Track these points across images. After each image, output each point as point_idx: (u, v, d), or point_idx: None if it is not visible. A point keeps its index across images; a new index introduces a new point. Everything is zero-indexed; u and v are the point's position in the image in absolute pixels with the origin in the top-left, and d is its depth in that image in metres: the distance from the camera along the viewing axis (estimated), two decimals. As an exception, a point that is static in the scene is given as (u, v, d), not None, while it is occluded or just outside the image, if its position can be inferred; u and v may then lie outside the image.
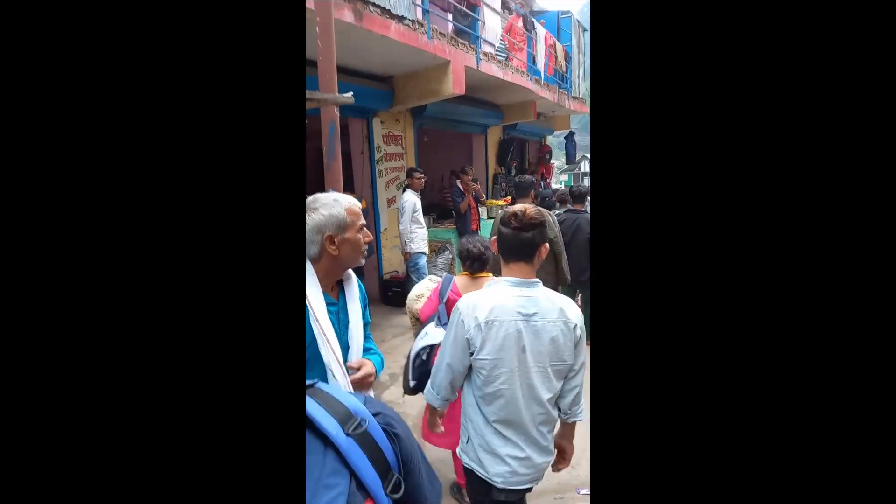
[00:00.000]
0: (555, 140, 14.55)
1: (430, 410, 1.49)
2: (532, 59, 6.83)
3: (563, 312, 1.30)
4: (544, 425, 1.36)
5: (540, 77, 7.01)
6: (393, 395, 3.28)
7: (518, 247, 1.31)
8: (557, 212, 3.94)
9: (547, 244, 1.36)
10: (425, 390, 1.46)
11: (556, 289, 2.99)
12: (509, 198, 6.92)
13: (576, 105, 8.98)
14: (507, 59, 5.98)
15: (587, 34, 10.03)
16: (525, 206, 1.34)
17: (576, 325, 1.31)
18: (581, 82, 9.65)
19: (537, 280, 1.33)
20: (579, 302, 4.13)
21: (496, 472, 1.35)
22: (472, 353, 1.31)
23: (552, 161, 12.18)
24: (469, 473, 1.43)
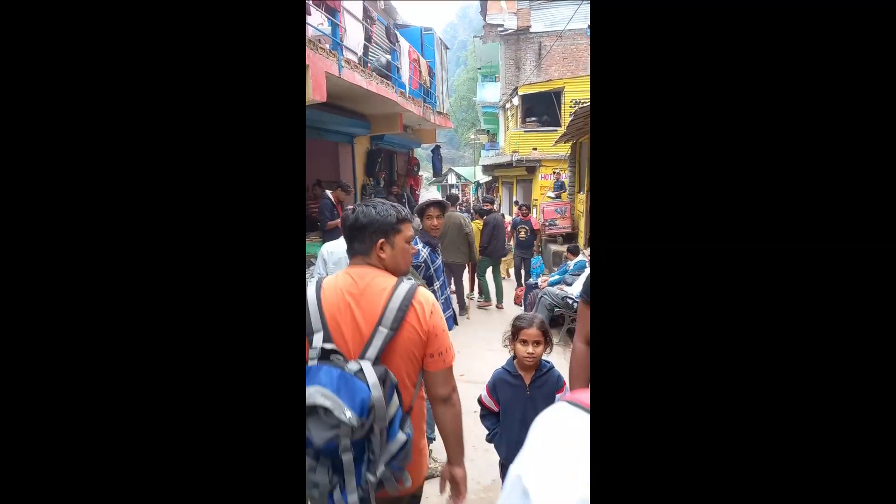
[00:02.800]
0: (423, 152, 14.90)
1: None
2: (396, 72, 6.89)
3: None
4: None
5: (405, 90, 7.10)
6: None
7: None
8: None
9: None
10: None
11: (466, 264, 5.48)
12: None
13: (440, 120, 9.30)
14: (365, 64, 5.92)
15: (448, 52, 10.49)
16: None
17: None
18: (445, 98, 10.03)
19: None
20: (504, 273, 6.86)
21: None
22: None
23: (420, 173, 12.44)
24: None
